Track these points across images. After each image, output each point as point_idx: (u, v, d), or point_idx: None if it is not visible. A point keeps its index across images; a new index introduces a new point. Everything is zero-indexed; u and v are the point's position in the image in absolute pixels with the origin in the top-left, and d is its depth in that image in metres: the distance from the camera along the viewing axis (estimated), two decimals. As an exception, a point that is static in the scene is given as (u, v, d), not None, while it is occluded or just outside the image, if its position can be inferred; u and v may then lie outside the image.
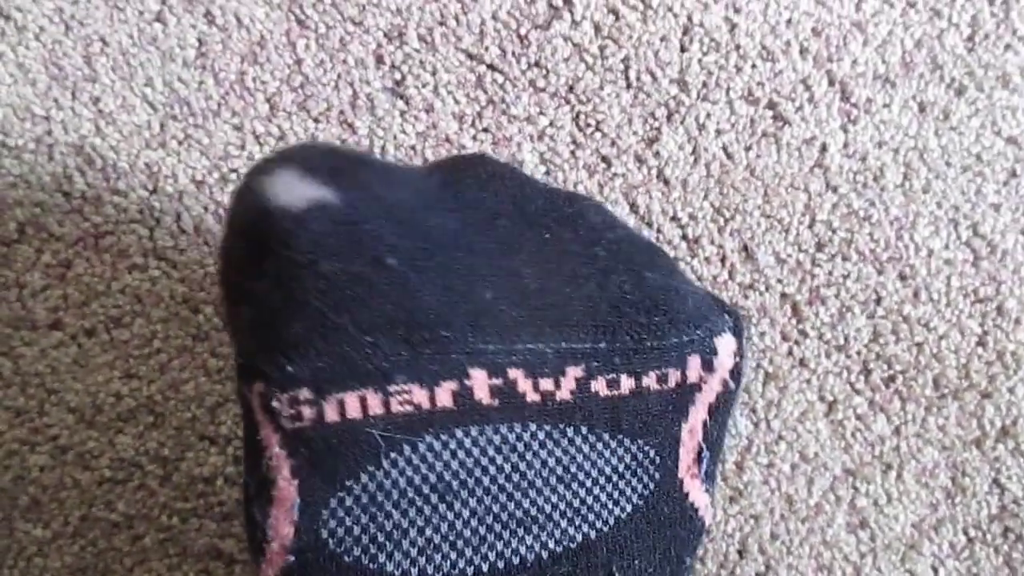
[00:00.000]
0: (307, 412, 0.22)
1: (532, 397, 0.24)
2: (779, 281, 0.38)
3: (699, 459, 0.27)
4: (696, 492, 0.27)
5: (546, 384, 0.24)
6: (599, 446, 0.25)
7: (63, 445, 0.36)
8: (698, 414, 0.26)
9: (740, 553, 0.37)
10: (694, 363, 0.26)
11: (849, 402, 0.38)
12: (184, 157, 0.36)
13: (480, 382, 0.23)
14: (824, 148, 0.38)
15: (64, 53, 0.36)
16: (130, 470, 0.36)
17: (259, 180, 0.22)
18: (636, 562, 0.25)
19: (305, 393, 0.22)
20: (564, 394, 0.24)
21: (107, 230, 0.36)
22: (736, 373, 0.27)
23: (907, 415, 0.38)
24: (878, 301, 0.38)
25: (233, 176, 0.37)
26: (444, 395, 0.23)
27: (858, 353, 0.38)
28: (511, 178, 0.26)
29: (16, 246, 0.36)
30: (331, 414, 0.22)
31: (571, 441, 0.24)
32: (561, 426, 0.24)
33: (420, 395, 0.23)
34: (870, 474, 0.38)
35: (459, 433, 0.23)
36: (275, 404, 0.22)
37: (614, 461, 0.25)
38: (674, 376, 0.26)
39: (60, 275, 0.36)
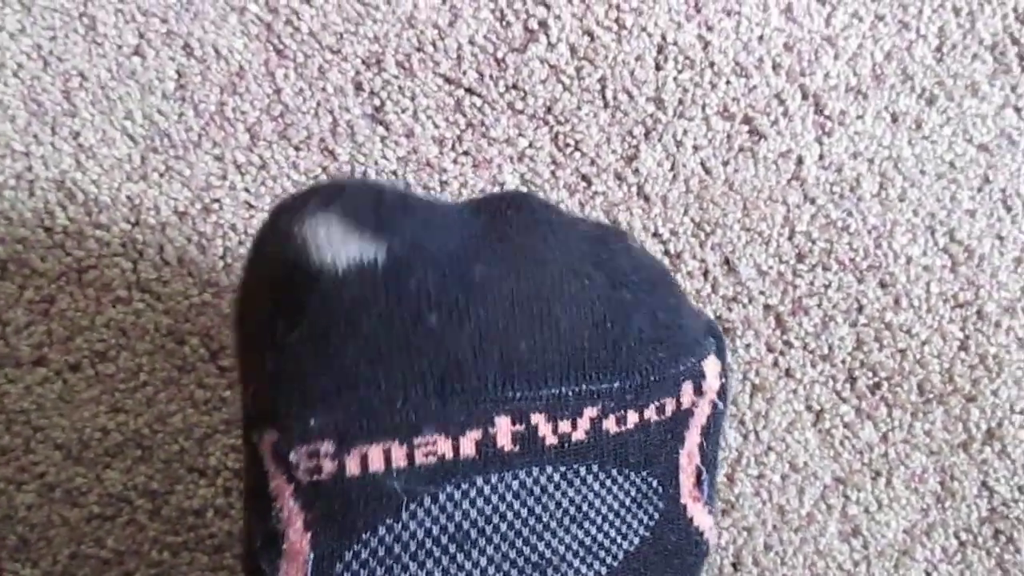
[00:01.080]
0: (327, 466, 0.21)
1: (551, 440, 0.23)
2: (762, 293, 0.38)
3: (699, 482, 0.27)
4: (700, 515, 0.27)
5: (564, 426, 0.24)
6: (608, 482, 0.25)
7: (50, 482, 0.36)
8: (693, 438, 0.26)
9: (735, 566, 0.38)
10: (687, 389, 0.26)
11: (836, 410, 0.38)
12: (166, 189, 0.37)
13: (504, 430, 0.23)
14: (800, 161, 0.38)
15: (43, 89, 0.36)
16: (119, 505, 0.36)
17: (298, 226, 0.21)
18: None
19: (327, 447, 0.21)
20: (580, 435, 0.24)
21: (90, 264, 0.36)
22: (722, 393, 0.27)
23: (894, 421, 0.38)
24: (860, 309, 0.38)
25: (216, 206, 0.37)
26: (468, 445, 0.22)
27: (843, 362, 0.38)
28: (556, 222, 0.25)
29: (-2, 283, 0.36)
30: (352, 468, 0.21)
31: (583, 480, 0.24)
32: (575, 466, 0.24)
33: (444, 446, 0.22)
34: (860, 481, 0.38)
35: (479, 481, 0.23)
36: (292, 457, 0.21)
37: (621, 496, 0.25)
38: (670, 405, 0.26)
39: (44, 311, 0.36)
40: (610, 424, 0.24)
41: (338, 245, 0.21)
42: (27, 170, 0.36)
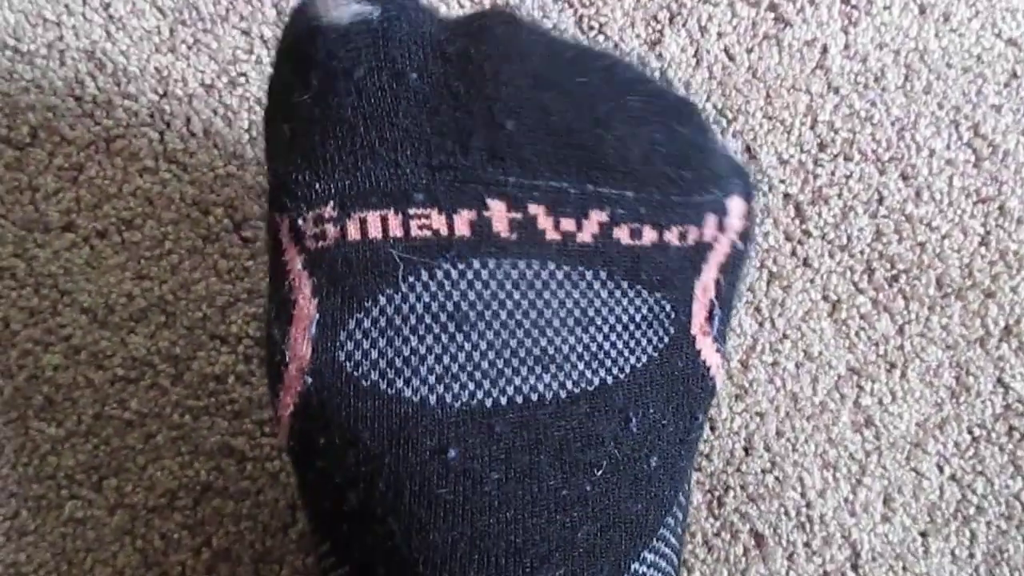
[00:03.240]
0: (330, 231, 0.23)
1: (552, 236, 0.24)
2: (782, 182, 0.38)
3: (711, 317, 0.27)
4: (708, 351, 0.27)
5: (567, 224, 0.24)
6: (617, 294, 0.25)
7: (76, 345, 0.37)
8: (711, 272, 0.27)
9: (746, 450, 0.38)
10: (710, 221, 0.26)
11: (853, 301, 0.38)
12: (193, 61, 0.37)
13: (499, 214, 0.23)
14: (825, 50, 0.38)
15: (75, -40, 0.37)
16: (142, 369, 0.37)
17: (311, 2, 0.23)
18: (651, 411, 0.25)
19: (329, 210, 0.23)
20: (586, 237, 0.24)
21: (118, 134, 0.37)
22: (745, 236, 0.27)
23: (911, 314, 0.38)
24: (880, 201, 0.38)
25: (242, 80, 0.37)
26: (462, 223, 0.23)
27: (861, 252, 0.38)
28: (542, 30, 0.27)
29: (29, 150, 0.37)
30: (353, 232, 0.23)
31: (589, 285, 0.24)
32: (580, 268, 0.24)
33: (439, 220, 0.23)
34: (874, 373, 0.38)
35: (476, 263, 0.23)
36: (300, 223, 0.23)
37: (631, 311, 0.25)
38: (693, 233, 0.26)
39: (72, 178, 0.37)
40: (622, 233, 0.24)
41: (342, 6, 0.23)
42: (58, 39, 0.37)
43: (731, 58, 0.38)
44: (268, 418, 0.37)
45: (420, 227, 0.23)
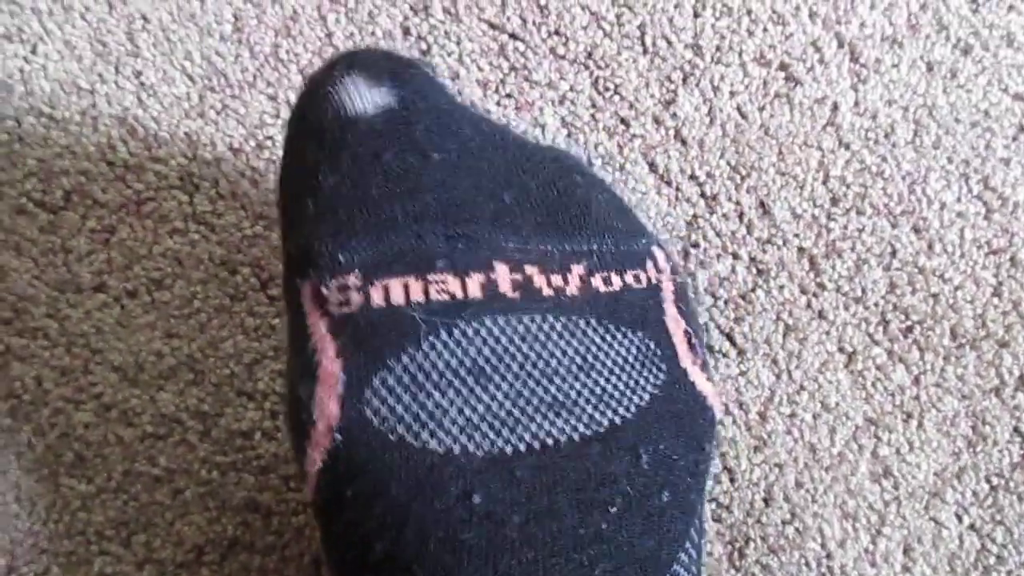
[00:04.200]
0: (354, 297, 0.24)
1: (547, 292, 0.26)
2: (796, 235, 0.39)
3: (692, 345, 0.29)
4: (701, 381, 0.29)
5: (557, 280, 0.27)
6: (608, 337, 0.27)
7: (107, 403, 0.37)
8: (670, 307, 0.29)
9: (765, 501, 0.38)
10: (649, 265, 0.29)
11: (868, 352, 0.39)
12: (222, 126, 0.38)
13: (503, 276, 0.26)
14: (835, 107, 0.39)
15: (108, 30, 0.38)
16: (171, 426, 0.37)
17: (333, 88, 0.25)
18: (660, 446, 0.27)
19: (354, 279, 0.24)
20: (572, 289, 0.27)
21: (149, 196, 0.38)
22: (675, 270, 0.31)
23: (926, 365, 0.39)
24: (893, 253, 0.39)
25: (268, 143, 0.38)
26: (474, 286, 0.25)
27: (875, 304, 0.39)
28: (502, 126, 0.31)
29: (63, 213, 0.38)
30: (376, 298, 0.24)
31: (584, 332, 0.27)
32: (574, 318, 0.27)
33: (454, 284, 0.25)
34: (891, 423, 0.39)
35: (487, 321, 0.25)
36: (324, 291, 0.24)
37: (623, 351, 0.27)
38: (643, 276, 0.29)
39: (104, 240, 0.38)
40: (597, 282, 0.27)
41: (366, 97, 0.25)
42: (91, 107, 0.38)
43: (744, 116, 0.39)
44: (293, 473, 0.38)
45: (438, 291, 0.25)
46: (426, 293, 0.24)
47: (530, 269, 0.26)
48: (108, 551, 0.37)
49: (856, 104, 0.39)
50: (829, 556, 0.38)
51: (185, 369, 0.38)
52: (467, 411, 0.24)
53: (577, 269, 0.27)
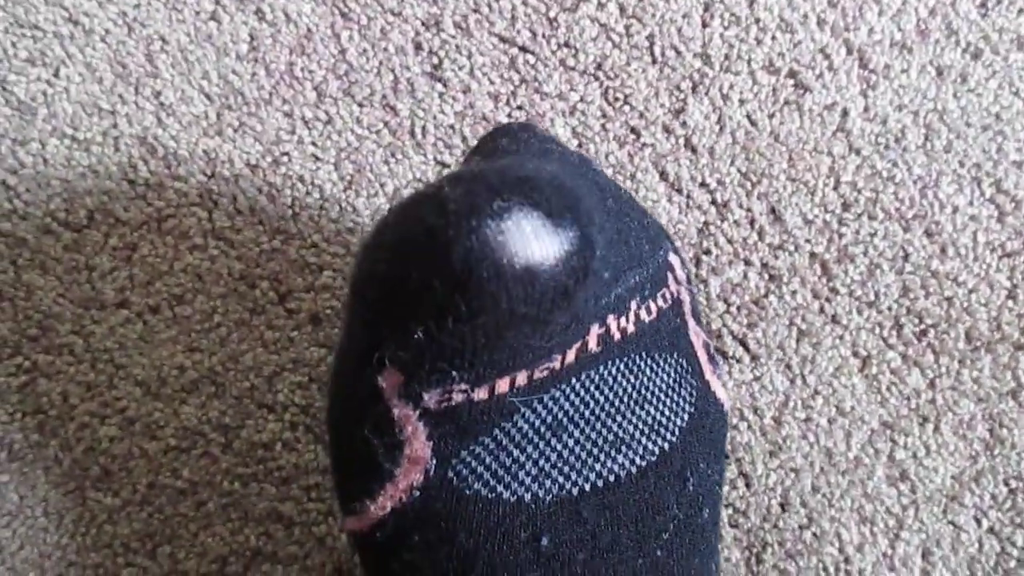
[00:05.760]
0: (457, 398, 0.23)
1: (617, 337, 0.25)
2: (807, 241, 0.39)
3: (711, 357, 0.29)
4: (717, 387, 0.29)
5: (623, 322, 0.26)
6: (654, 366, 0.27)
7: (131, 417, 0.38)
8: (689, 320, 0.29)
9: (782, 506, 0.38)
10: (669, 278, 0.28)
11: (883, 357, 0.39)
12: (239, 143, 0.39)
13: (594, 336, 0.24)
14: (845, 113, 0.39)
15: (128, 52, 0.39)
16: (194, 439, 0.38)
17: (497, 225, 0.19)
18: (701, 465, 0.27)
19: (462, 387, 0.23)
20: (631, 327, 0.26)
21: (169, 214, 0.39)
22: (689, 280, 0.30)
23: (941, 368, 0.39)
24: (906, 258, 0.39)
25: (285, 159, 0.39)
26: (571, 355, 0.24)
27: (889, 308, 0.39)
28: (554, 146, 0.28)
29: (86, 231, 0.39)
30: (480, 395, 0.23)
31: (639, 367, 0.26)
32: (632, 355, 0.26)
33: (557, 362, 0.24)
34: (907, 427, 0.39)
35: (574, 381, 0.25)
36: (424, 396, 0.23)
37: (664, 376, 0.27)
38: (667, 293, 0.28)
39: (126, 257, 0.39)
40: (644, 314, 0.26)
41: (544, 242, 0.19)
42: (112, 127, 0.39)
43: (753, 124, 0.39)
44: (314, 484, 0.38)
45: (542, 371, 0.24)
46: (530, 379, 0.24)
47: (610, 319, 0.25)
48: (134, 563, 0.38)
49: (866, 110, 0.39)
50: (847, 561, 0.38)
51: (207, 382, 0.38)
52: (542, 462, 0.25)
53: (633, 306, 0.26)
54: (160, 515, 0.38)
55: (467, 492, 0.24)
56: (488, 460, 0.24)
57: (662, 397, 0.27)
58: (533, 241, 0.19)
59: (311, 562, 0.38)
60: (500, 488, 0.24)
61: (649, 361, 0.26)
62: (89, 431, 0.38)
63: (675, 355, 0.27)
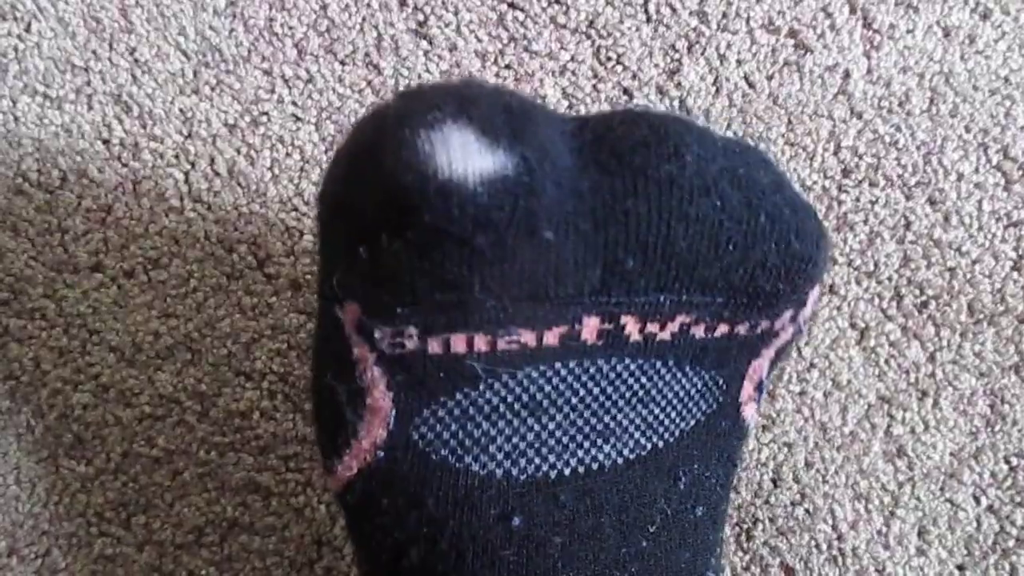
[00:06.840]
0: (410, 344, 0.22)
1: (635, 338, 0.24)
2: (806, 208, 0.37)
3: (758, 387, 0.28)
4: (749, 411, 0.28)
5: (652, 327, 0.24)
6: (679, 375, 0.25)
7: (105, 383, 0.37)
8: (768, 353, 0.27)
9: (774, 482, 0.37)
10: (786, 315, 0.26)
11: (881, 329, 0.37)
12: (217, 102, 0.38)
13: (591, 328, 0.23)
14: (847, 75, 0.38)
15: (101, 7, 0.38)
16: (169, 406, 0.37)
17: (431, 137, 0.19)
18: (696, 466, 0.26)
19: (410, 331, 0.22)
20: (665, 336, 0.24)
21: (145, 175, 0.38)
22: (810, 319, 0.28)
23: (942, 341, 0.37)
24: (907, 226, 0.37)
25: (264, 119, 0.38)
26: (551, 337, 0.23)
27: (889, 279, 0.37)
28: (690, 137, 0.23)
29: (58, 193, 0.37)
30: (435, 348, 0.22)
31: (657, 372, 0.25)
32: (652, 360, 0.25)
33: (528, 337, 0.22)
34: (906, 402, 0.37)
35: (558, 365, 0.24)
36: (376, 334, 0.22)
37: (687, 386, 0.26)
38: (764, 325, 0.26)
39: (100, 219, 0.37)
40: (698, 330, 0.24)
41: (472, 160, 0.19)
42: (86, 84, 0.38)
43: (751, 85, 0.38)
44: (293, 453, 0.37)
45: (508, 343, 0.22)
46: (493, 346, 0.22)
47: (626, 318, 0.23)
48: (108, 532, 0.37)
49: (869, 72, 0.38)
50: (840, 538, 0.37)
51: (182, 349, 0.37)
52: (515, 439, 0.24)
53: (681, 318, 0.24)
54: (135, 484, 0.37)
55: (433, 457, 0.23)
56: (454, 427, 0.23)
57: (672, 401, 0.26)
58: (459, 155, 0.19)
59: (289, 533, 0.37)
60: (468, 459, 0.24)
61: (675, 370, 0.25)
62: (62, 397, 0.37)
63: (712, 371, 0.26)
